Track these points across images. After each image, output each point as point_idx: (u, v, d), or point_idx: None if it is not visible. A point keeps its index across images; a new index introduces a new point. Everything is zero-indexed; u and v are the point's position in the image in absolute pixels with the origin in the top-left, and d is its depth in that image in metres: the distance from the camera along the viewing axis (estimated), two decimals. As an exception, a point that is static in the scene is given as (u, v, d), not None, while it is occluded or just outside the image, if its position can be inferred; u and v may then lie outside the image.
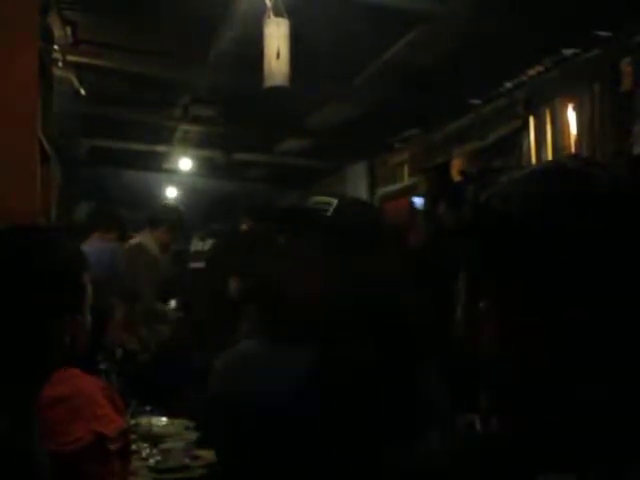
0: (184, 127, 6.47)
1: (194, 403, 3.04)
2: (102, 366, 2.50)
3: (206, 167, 8.04)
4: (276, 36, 3.07)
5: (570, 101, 4.03)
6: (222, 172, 8.22)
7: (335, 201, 1.39)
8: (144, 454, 2.71)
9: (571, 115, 4.02)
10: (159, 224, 4.90)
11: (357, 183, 7.31)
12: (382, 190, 6.89)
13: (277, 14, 3.08)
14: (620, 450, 0.71)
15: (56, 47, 3.98)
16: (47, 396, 1.40)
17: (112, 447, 1.64)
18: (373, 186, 7.10)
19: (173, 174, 8.20)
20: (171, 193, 8.74)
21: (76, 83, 4.66)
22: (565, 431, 0.72)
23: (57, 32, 3.87)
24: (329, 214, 1.37)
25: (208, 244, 4.98)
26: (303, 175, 8.50)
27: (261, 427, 2.09)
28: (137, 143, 7.11)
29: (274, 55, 3.04)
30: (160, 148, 7.36)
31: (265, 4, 3.09)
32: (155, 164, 7.99)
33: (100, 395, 1.70)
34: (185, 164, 7.82)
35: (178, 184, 8.64)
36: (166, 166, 8.01)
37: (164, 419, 3.15)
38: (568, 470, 0.69)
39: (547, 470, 0.70)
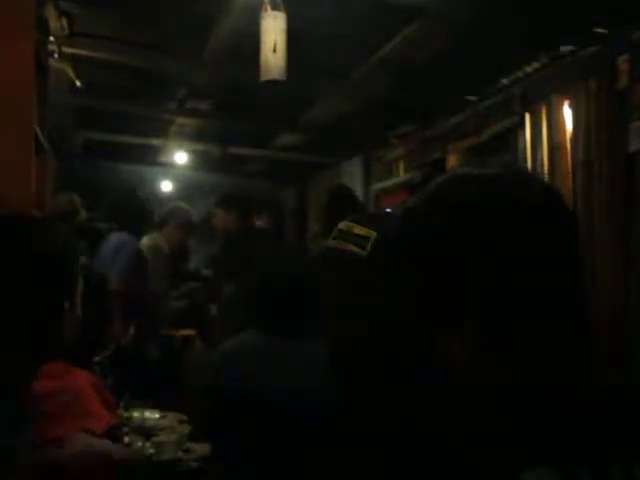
0: (180, 120, 6.45)
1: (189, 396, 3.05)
2: (96, 359, 2.50)
3: (202, 161, 8.02)
4: (273, 30, 3.06)
5: (566, 98, 4.03)
6: (218, 166, 8.21)
7: (374, 235, 1.28)
8: (137, 447, 2.71)
9: (567, 112, 4.01)
10: (169, 224, 5.01)
11: (353, 178, 7.31)
12: (377, 185, 6.89)
13: (274, 8, 3.08)
14: (604, 449, 0.72)
15: (52, 39, 3.97)
16: (37, 391, 1.40)
17: None
18: (368, 181, 7.11)
19: (168, 167, 8.19)
20: (166, 187, 8.72)
21: (72, 75, 4.65)
22: (551, 430, 0.72)
23: (53, 24, 3.85)
24: (365, 253, 1.30)
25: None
26: (299, 170, 8.50)
27: (259, 419, 2.09)
28: (133, 136, 7.10)
29: (271, 49, 3.04)
30: (156, 141, 7.34)
31: (262, -3, 3.08)
32: (150, 157, 7.98)
33: (90, 390, 1.70)
34: (181, 158, 7.81)
35: (173, 178, 8.63)
36: (162, 159, 8.00)
37: (157, 412, 3.15)
38: (553, 467, 0.70)
39: (532, 467, 0.70)
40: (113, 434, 1.71)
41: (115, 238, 4.51)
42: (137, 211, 4.81)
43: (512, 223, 0.75)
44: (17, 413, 1.26)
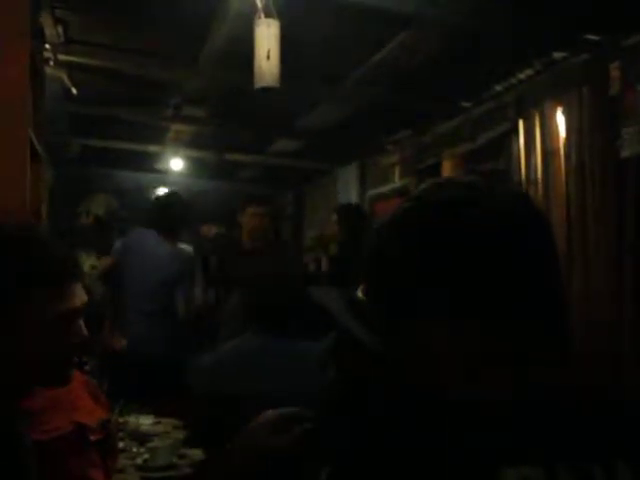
0: (176, 127, 6.46)
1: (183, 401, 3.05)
2: (87, 367, 2.50)
3: (198, 167, 8.04)
4: (267, 37, 3.07)
5: (559, 104, 4.05)
6: (214, 173, 8.22)
7: None
8: (132, 453, 2.72)
9: (560, 118, 4.04)
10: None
11: (348, 184, 7.33)
12: (373, 191, 6.91)
13: (268, 15, 3.09)
14: (588, 448, 0.73)
15: (47, 46, 3.98)
16: None
17: (92, 438, 1.64)
18: (364, 187, 7.13)
19: (165, 174, 8.20)
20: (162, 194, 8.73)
21: (67, 82, 4.66)
22: (536, 429, 0.74)
23: (48, 31, 3.87)
24: None
25: None
26: (295, 176, 8.51)
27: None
28: (128, 143, 7.11)
29: (265, 56, 3.05)
30: (152, 148, 7.35)
31: (256, 5, 3.10)
32: (147, 164, 7.98)
33: (81, 388, 1.70)
34: (177, 164, 7.82)
35: (170, 184, 8.64)
36: (158, 166, 8.00)
37: (152, 418, 3.16)
38: (535, 464, 0.71)
39: (514, 464, 0.71)
40: (106, 428, 1.72)
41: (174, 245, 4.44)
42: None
43: (485, 223, 0.78)
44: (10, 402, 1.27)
